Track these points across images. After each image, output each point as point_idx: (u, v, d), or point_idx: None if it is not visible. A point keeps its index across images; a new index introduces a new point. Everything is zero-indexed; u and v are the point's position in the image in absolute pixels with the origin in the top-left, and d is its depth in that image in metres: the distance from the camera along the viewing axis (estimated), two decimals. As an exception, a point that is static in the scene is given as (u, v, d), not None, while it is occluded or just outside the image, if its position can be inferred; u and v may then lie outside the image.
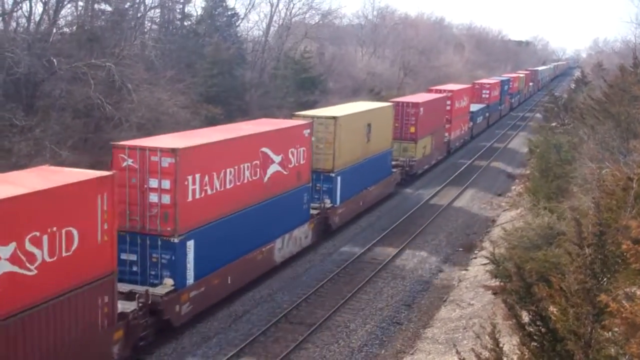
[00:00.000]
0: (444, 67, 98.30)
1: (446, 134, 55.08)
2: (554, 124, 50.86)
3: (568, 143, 32.50)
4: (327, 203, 31.57)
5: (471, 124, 66.22)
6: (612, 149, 24.84)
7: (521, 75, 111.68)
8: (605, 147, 25.57)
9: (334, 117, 31.43)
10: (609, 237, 11.23)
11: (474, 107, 67.74)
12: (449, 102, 54.60)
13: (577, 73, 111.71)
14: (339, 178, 31.95)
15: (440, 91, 56.00)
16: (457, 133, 59.09)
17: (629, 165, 21.15)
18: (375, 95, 66.36)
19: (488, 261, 23.99)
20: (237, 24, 68.18)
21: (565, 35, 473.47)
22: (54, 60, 35.28)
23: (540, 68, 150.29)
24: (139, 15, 51.55)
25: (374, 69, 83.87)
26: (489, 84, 78.63)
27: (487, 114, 76.32)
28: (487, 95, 76.40)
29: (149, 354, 19.97)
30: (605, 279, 10.97)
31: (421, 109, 45.13)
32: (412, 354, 21.21)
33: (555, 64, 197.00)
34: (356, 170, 34.18)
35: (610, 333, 10.70)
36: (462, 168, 53.00)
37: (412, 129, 44.71)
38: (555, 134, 40.35)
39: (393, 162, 42.28)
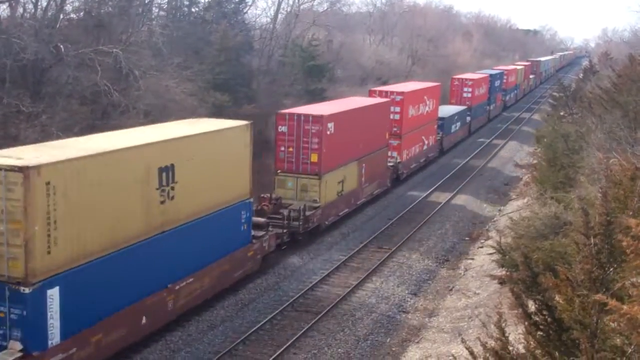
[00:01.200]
0: (452, 55, 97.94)
1: (393, 155, 40.37)
2: (561, 113, 50.64)
3: (576, 132, 32.33)
4: (15, 350, 15.12)
5: (440, 134, 50.90)
6: (620, 139, 24.73)
7: (519, 67, 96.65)
8: (613, 137, 25.47)
9: (22, 169, 14.84)
10: (616, 227, 11.19)
11: (446, 112, 53.28)
12: (397, 109, 40.34)
13: (585, 62, 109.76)
14: (52, 292, 15.55)
15: (384, 94, 40.97)
16: (413, 151, 44.16)
17: (636, 155, 21.08)
18: (383, 84, 66.11)
19: (494, 251, 24.02)
20: (244, 11, 67.98)
21: (573, 24, 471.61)
22: (61, 46, 35.25)
23: (543, 58, 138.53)
24: (146, 1, 51.43)
25: (382, 57, 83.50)
26: (471, 79, 63.06)
27: (468, 119, 60.37)
28: (470, 94, 61.55)
29: (155, 342, 20.07)
30: (611, 269, 10.95)
31: (330, 124, 30.21)
32: (417, 342, 21.25)
33: (562, 53, 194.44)
34: (123, 262, 17.76)
35: (616, 323, 10.68)
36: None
37: (314, 157, 29.82)
38: (562, 123, 40.18)
39: (274, 215, 27.93)
